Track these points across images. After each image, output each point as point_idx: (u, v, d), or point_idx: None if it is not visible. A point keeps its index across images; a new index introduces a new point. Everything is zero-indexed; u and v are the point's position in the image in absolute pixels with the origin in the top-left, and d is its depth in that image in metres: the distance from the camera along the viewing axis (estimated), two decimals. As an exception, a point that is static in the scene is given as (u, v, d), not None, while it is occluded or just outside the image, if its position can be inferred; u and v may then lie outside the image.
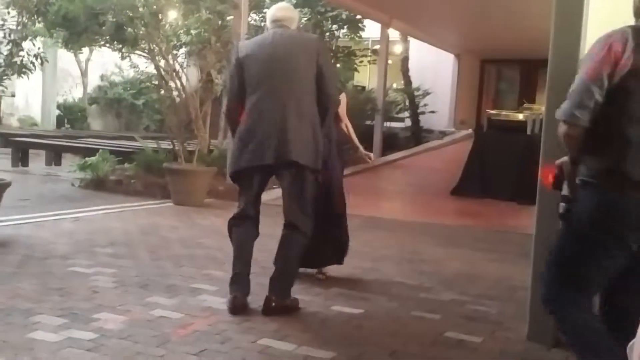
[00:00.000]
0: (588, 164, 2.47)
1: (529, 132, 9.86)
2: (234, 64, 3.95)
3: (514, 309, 4.13)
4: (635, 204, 2.36)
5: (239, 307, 3.70)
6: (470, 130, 14.48)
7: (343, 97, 4.82)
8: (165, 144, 9.84)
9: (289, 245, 3.82)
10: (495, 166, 9.83)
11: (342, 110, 4.81)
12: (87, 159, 9.37)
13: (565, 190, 2.63)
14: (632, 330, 1.77)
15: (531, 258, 3.47)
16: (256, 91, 3.80)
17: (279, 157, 3.71)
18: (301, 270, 4.24)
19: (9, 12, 5.50)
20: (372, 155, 5.26)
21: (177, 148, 8.72)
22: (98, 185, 8.92)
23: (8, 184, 5.42)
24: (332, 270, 4.74)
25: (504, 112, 11.44)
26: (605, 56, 2.33)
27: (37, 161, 11.76)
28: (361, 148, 5.07)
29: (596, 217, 2.43)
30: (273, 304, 3.71)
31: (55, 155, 11.72)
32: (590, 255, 2.45)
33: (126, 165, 9.58)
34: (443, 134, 17.45)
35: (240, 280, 3.79)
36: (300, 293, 4.05)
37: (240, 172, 3.87)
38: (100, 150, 9.53)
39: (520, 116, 10.48)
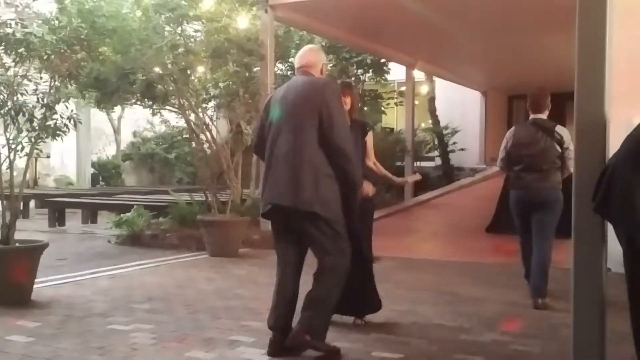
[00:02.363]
0: None
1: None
2: (261, 114, 4.14)
3: (556, 347, 4.02)
4: None
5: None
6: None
7: (369, 136, 4.72)
8: (199, 196, 9.95)
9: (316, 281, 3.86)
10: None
11: (369, 147, 4.70)
12: (122, 215, 9.51)
13: None
14: None
15: (571, 293, 3.39)
16: (270, 136, 3.91)
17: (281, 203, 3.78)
18: (339, 317, 4.22)
19: (41, 77, 5.66)
20: (416, 176, 5.18)
21: (210, 199, 8.81)
22: (134, 240, 9.03)
23: (46, 245, 5.51)
24: (369, 314, 4.70)
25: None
26: None
27: (74, 220, 11.98)
28: (395, 178, 4.99)
29: None
30: (299, 338, 3.71)
31: (91, 213, 11.93)
32: None
33: (161, 219, 9.69)
34: (474, 171, 17.34)
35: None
36: (339, 340, 4.01)
37: (265, 214, 3.99)
38: (135, 206, 9.67)
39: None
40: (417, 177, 5.22)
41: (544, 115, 5.54)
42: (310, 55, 4.05)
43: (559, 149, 5.33)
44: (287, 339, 3.73)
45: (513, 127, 5.74)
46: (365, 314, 4.61)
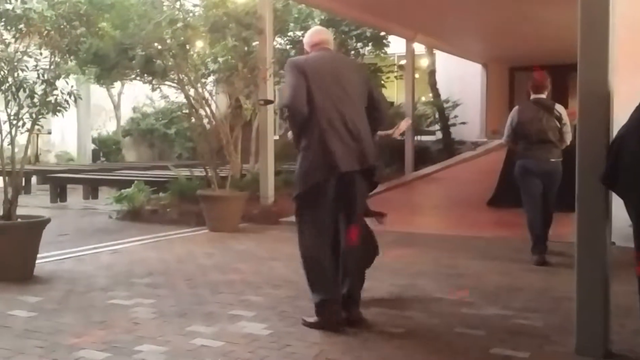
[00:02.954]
0: None
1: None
2: (295, 74, 3.92)
3: (559, 321, 4.03)
4: None
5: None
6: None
7: None
8: (198, 171, 9.94)
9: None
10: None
11: None
12: (122, 191, 9.51)
13: None
14: None
15: (575, 267, 3.38)
16: (322, 104, 3.87)
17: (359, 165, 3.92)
18: None
19: (41, 53, 5.62)
20: (407, 120, 5.38)
21: (209, 175, 8.80)
22: (134, 216, 9.04)
23: (47, 221, 5.52)
24: (370, 288, 4.71)
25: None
26: None
27: (75, 195, 11.99)
28: (391, 131, 5.03)
29: None
30: (361, 315, 3.94)
31: (92, 189, 11.93)
32: None
33: (161, 194, 9.69)
34: (475, 144, 17.30)
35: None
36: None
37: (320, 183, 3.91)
38: (135, 182, 9.66)
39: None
40: (408, 120, 5.45)
41: (544, 95, 6.17)
42: (329, 34, 4.38)
43: (559, 125, 6.03)
44: (355, 315, 3.91)
45: (517, 107, 6.35)
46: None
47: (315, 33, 4.30)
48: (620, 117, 3.14)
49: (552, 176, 6.04)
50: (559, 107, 6.08)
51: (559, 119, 6.01)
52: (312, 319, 3.88)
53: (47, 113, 5.59)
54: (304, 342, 3.62)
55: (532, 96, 6.19)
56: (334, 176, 3.85)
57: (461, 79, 17.94)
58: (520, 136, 6.13)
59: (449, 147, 16.86)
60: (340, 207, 3.96)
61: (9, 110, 5.41)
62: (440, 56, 17.15)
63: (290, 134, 4.15)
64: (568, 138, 6.00)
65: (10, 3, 5.26)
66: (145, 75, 8.94)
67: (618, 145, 2.91)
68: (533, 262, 5.86)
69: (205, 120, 9.31)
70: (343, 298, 3.91)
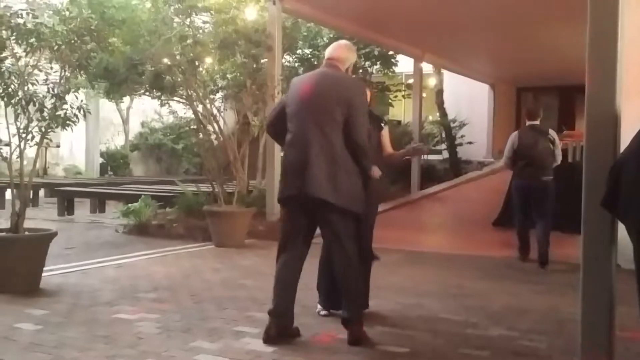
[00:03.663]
0: None
1: (569, 159, 9.69)
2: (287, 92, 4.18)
3: (564, 343, 4.01)
4: None
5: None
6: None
7: (385, 131, 4.80)
8: (205, 187, 9.96)
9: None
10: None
11: (385, 140, 4.78)
12: (129, 205, 9.54)
13: None
14: None
15: (580, 289, 3.37)
16: (292, 124, 3.99)
17: (300, 191, 3.87)
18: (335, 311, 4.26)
19: (52, 67, 5.68)
20: (421, 144, 5.34)
21: (216, 190, 8.82)
22: (141, 230, 9.06)
23: (54, 234, 5.54)
24: (376, 307, 4.70)
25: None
26: None
27: (82, 209, 12.03)
28: (407, 150, 5.05)
29: None
30: (357, 334, 3.93)
31: (99, 202, 11.98)
32: None
33: (167, 209, 9.71)
34: (482, 164, 17.29)
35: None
36: (344, 333, 4.00)
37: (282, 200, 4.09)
38: (142, 196, 9.69)
39: (560, 144, 10.30)
40: (421, 145, 5.46)
41: (538, 122, 7.13)
42: (343, 51, 4.19)
43: (552, 147, 6.97)
44: (354, 334, 3.91)
45: (516, 132, 7.30)
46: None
47: (332, 47, 4.25)
48: (627, 140, 3.14)
49: (545, 192, 6.88)
50: (551, 132, 7.05)
51: (553, 142, 6.95)
52: None
53: (57, 127, 5.62)
54: (306, 359, 3.61)
55: (528, 123, 7.17)
56: (289, 196, 3.97)
57: (469, 99, 17.97)
58: (520, 158, 7.02)
59: (456, 166, 16.86)
60: (312, 228, 4.04)
61: (18, 124, 5.45)
62: (448, 76, 17.22)
63: None
64: (559, 159, 7.04)
65: (22, 17, 5.32)
66: (154, 90, 8.99)
67: (618, 169, 2.92)
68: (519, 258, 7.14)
69: (213, 136, 9.35)
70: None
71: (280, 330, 3.90)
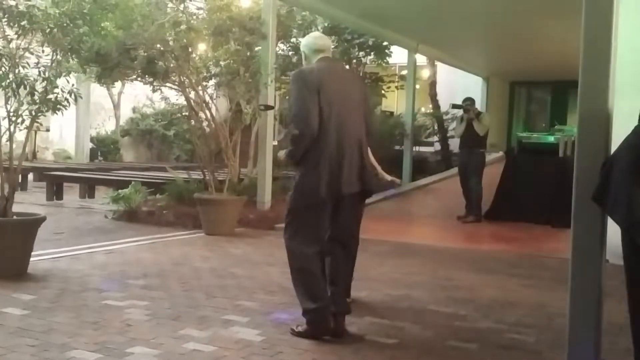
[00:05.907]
0: None
1: (561, 154, 9.72)
2: (307, 88, 3.80)
3: (552, 337, 4.03)
4: None
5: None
6: (501, 153, 14.35)
7: None
8: (196, 174, 9.93)
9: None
10: (529, 189, 9.70)
11: None
12: (119, 191, 9.49)
13: None
14: None
15: (568, 284, 3.38)
16: (331, 121, 3.83)
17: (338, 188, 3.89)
18: None
19: (43, 50, 5.62)
20: (399, 180, 5.21)
21: (207, 178, 8.79)
22: (130, 216, 9.02)
23: (43, 219, 5.51)
24: (365, 298, 4.71)
25: (535, 135, 11.32)
26: None
27: (71, 194, 11.97)
28: (385, 175, 5.02)
29: None
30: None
31: (88, 187, 11.91)
32: None
33: (158, 196, 9.68)
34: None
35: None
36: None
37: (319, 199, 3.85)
38: (133, 182, 9.65)
39: (552, 138, 10.34)
40: (398, 182, 5.31)
41: None
42: (330, 42, 4.32)
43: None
44: (341, 327, 3.90)
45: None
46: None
47: (320, 38, 4.22)
48: (619, 138, 3.15)
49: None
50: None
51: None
52: (303, 327, 3.86)
53: (47, 111, 5.57)
54: (296, 349, 3.61)
55: None
56: (334, 196, 3.89)
57: (462, 92, 17.89)
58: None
59: (448, 158, 16.88)
60: (330, 224, 4.01)
61: (8, 107, 5.40)
62: (442, 68, 17.20)
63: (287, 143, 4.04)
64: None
65: (14, 0, 5.26)
66: (147, 76, 8.92)
67: (610, 165, 2.94)
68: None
69: (205, 123, 9.31)
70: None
71: (337, 319, 3.90)
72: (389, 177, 4.95)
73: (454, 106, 10.51)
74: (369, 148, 4.17)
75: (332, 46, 12.58)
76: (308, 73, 3.92)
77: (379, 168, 4.93)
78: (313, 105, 3.76)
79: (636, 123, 2.98)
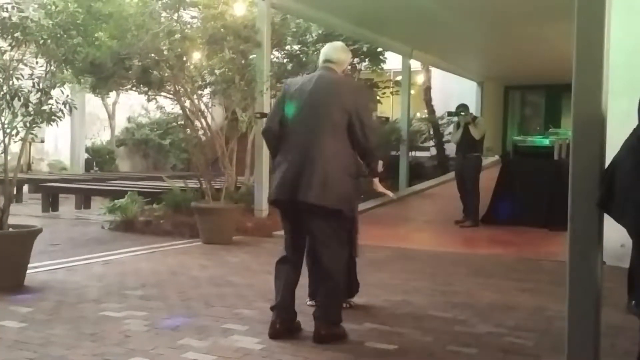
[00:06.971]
0: None
1: (556, 157, 9.74)
2: (280, 96, 4.16)
3: (551, 340, 4.03)
4: None
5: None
6: (497, 157, 14.37)
7: None
8: (193, 183, 9.91)
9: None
10: (525, 192, 9.72)
11: None
12: (116, 201, 9.47)
13: None
14: None
15: (566, 286, 3.38)
16: (290, 127, 3.97)
17: (293, 196, 3.86)
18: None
19: (37, 62, 5.61)
20: (392, 194, 5.05)
21: (204, 186, 8.78)
22: (127, 226, 9.00)
23: (39, 231, 5.49)
24: (364, 304, 4.70)
25: (529, 138, 11.35)
26: None
27: (67, 205, 11.94)
28: (379, 186, 4.93)
29: None
30: (322, 332, 3.86)
31: (84, 198, 11.87)
32: None
33: (154, 205, 9.65)
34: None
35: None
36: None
37: (272, 203, 4.12)
38: (129, 192, 9.62)
39: (547, 141, 10.37)
40: (391, 195, 5.17)
41: None
42: (341, 53, 4.21)
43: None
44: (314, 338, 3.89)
45: None
46: (347, 297, 4.63)
47: (329, 48, 4.22)
48: (614, 140, 3.15)
49: None
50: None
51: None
52: None
53: (42, 122, 5.56)
54: (295, 357, 3.60)
55: None
56: (291, 199, 3.89)
57: (457, 96, 17.94)
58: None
59: (444, 163, 16.90)
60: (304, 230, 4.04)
61: (3, 119, 5.38)
62: (437, 73, 17.25)
63: None
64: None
65: (7, 11, 5.25)
66: (142, 85, 8.92)
67: (613, 169, 2.93)
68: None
69: (201, 132, 9.31)
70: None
71: (286, 324, 3.95)
72: (382, 189, 4.78)
73: (450, 114, 10.56)
74: (372, 157, 4.09)
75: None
76: (287, 83, 4.18)
77: (375, 180, 4.84)
78: (278, 109, 4.08)
79: (632, 124, 2.98)
